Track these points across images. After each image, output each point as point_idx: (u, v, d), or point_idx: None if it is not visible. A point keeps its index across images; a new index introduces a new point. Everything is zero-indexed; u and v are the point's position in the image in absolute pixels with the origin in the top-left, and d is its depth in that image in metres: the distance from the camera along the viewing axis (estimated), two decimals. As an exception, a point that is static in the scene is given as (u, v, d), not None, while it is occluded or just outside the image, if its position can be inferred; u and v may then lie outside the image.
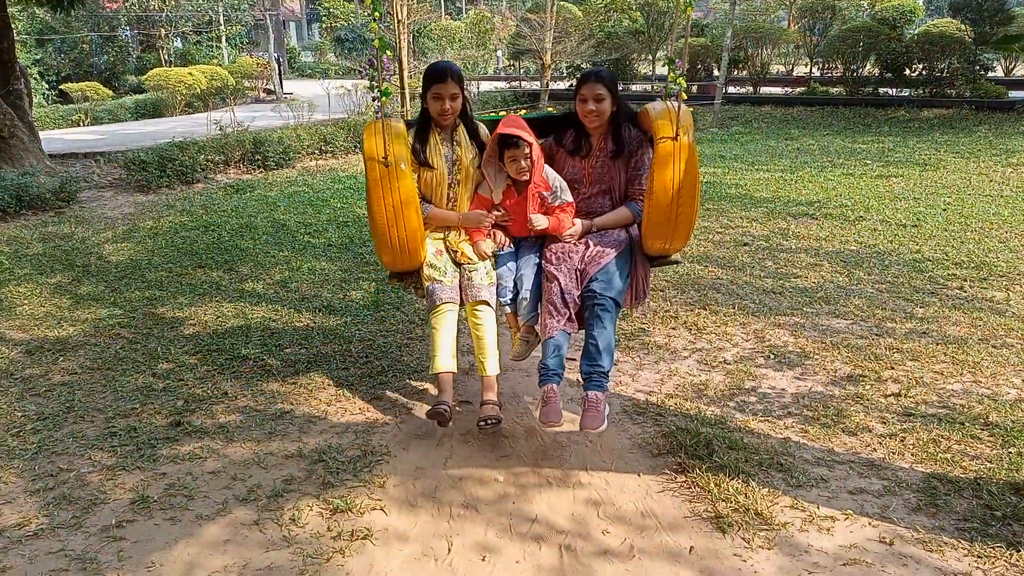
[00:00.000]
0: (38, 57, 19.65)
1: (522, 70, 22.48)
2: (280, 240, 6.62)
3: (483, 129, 3.50)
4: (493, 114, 3.78)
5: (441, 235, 3.47)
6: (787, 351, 4.17)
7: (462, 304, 3.36)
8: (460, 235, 3.44)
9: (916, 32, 16.01)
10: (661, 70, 21.90)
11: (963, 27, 15.03)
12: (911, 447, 3.17)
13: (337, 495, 2.88)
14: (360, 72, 2.94)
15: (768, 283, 5.28)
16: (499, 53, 23.76)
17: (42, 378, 3.95)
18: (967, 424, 3.33)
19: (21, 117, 9.11)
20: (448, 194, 3.45)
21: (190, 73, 17.88)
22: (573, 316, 3.20)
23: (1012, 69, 18.04)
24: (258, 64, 21.52)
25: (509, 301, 3.37)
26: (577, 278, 3.23)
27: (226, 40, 24.69)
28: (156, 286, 5.44)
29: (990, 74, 16.46)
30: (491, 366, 3.28)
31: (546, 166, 3.37)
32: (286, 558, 2.54)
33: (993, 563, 2.46)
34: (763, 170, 9.86)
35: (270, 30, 22.41)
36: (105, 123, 15.30)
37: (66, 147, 10.57)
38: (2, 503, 2.85)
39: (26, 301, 5.16)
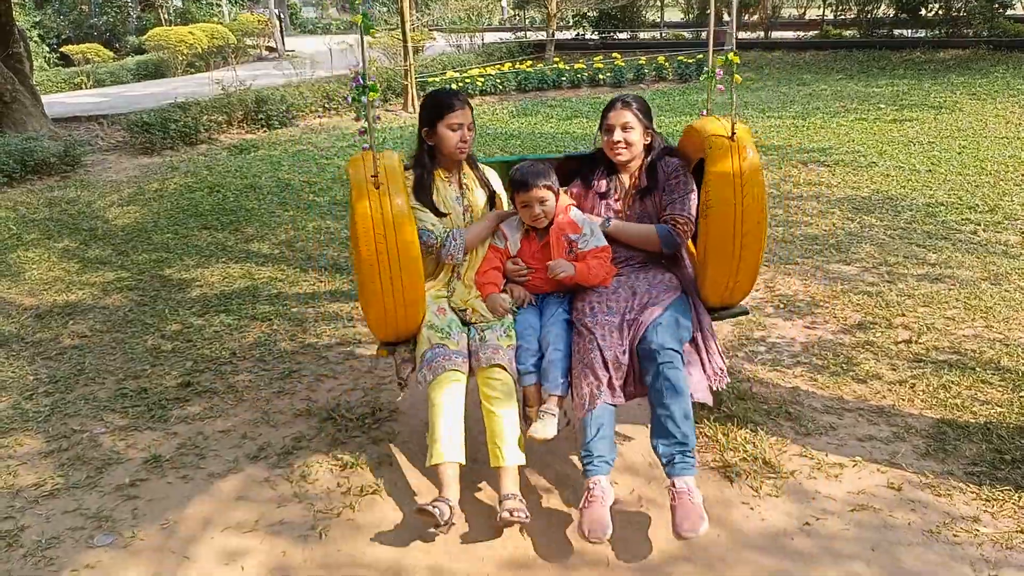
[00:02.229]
0: (37, 19, 19.42)
1: (527, 20, 22.04)
2: (285, 199, 6.59)
3: (490, 172, 3.00)
4: (501, 155, 3.31)
5: (444, 293, 2.82)
6: (797, 300, 4.13)
7: (471, 374, 2.63)
8: (469, 292, 2.78)
9: (932, -31, 15.54)
10: (670, 16, 21.45)
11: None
12: (921, 393, 3.15)
13: (347, 452, 2.90)
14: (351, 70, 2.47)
15: (778, 231, 5.21)
16: (503, 3, 23.29)
17: (52, 342, 3.98)
18: (978, 369, 3.31)
19: (22, 81, 9.03)
20: None
21: (191, 32, 17.65)
22: (617, 382, 2.49)
23: (1032, 6, 17.51)
24: (259, 21, 21.20)
25: (532, 367, 2.60)
26: (623, 331, 2.56)
27: (226, -3, 24.29)
28: (163, 248, 5.44)
29: (1009, 12, 15.99)
30: (511, 454, 2.47)
31: (574, 208, 2.85)
32: (297, 513, 2.57)
33: (1001, 506, 2.46)
34: (774, 117, 9.68)
35: (270, -15, 22.02)
36: (107, 85, 15.18)
37: (69, 110, 10.50)
38: (18, 464, 2.90)
39: (34, 266, 5.18)
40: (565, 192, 2.93)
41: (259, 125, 10.18)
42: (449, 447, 2.45)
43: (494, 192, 2.93)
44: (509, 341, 2.64)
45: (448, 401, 2.51)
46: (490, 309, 2.72)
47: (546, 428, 2.48)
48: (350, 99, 2.49)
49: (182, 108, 9.38)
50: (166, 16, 21.47)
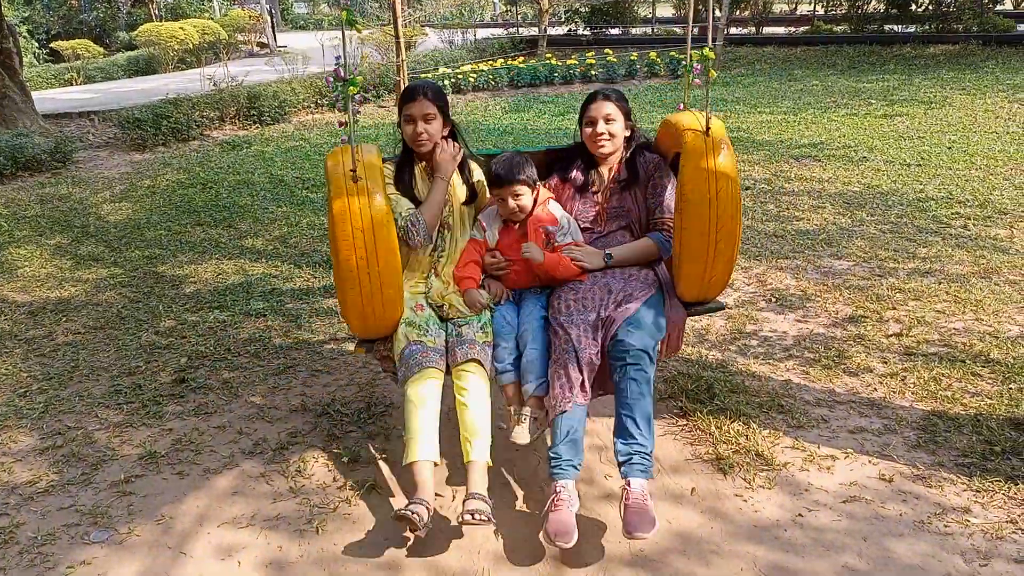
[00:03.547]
0: (26, 15, 19.27)
1: (519, 16, 22.01)
2: (278, 196, 6.58)
3: (476, 169, 2.95)
4: (491, 148, 3.34)
5: (422, 289, 2.77)
6: (788, 294, 4.16)
7: (448, 372, 2.61)
8: (447, 287, 2.75)
9: (923, -35, 15.60)
10: (662, 12, 21.46)
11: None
12: (912, 386, 3.18)
13: (342, 447, 2.91)
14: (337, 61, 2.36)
15: (770, 226, 5.24)
16: (495, -1, 23.26)
17: (46, 339, 3.97)
18: (968, 362, 3.34)
19: (12, 77, 8.97)
20: (435, 240, 2.81)
21: (181, 28, 17.54)
22: (589, 383, 2.49)
23: (1021, 2, 17.60)
24: (250, 17, 21.07)
25: (510, 366, 2.60)
26: (597, 330, 2.54)
27: (216, -8, 24.13)
28: (156, 245, 5.43)
29: (998, 7, 16.07)
30: (479, 449, 2.44)
31: (553, 201, 2.87)
32: (293, 508, 2.58)
33: (992, 496, 2.49)
34: (765, 112, 9.71)
35: (261, -19, 21.89)
36: (98, 81, 15.08)
37: (59, 107, 10.43)
38: (13, 461, 2.89)
39: (26, 263, 5.16)
40: (545, 185, 2.93)
41: (251, 121, 10.15)
42: (424, 446, 2.42)
43: (475, 184, 2.91)
44: (486, 337, 2.62)
45: (424, 399, 2.48)
46: (467, 304, 2.69)
47: (523, 434, 2.54)
48: (334, 88, 2.42)
49: (174, 104, 9.34)
50: (156, 12, 21.34)
